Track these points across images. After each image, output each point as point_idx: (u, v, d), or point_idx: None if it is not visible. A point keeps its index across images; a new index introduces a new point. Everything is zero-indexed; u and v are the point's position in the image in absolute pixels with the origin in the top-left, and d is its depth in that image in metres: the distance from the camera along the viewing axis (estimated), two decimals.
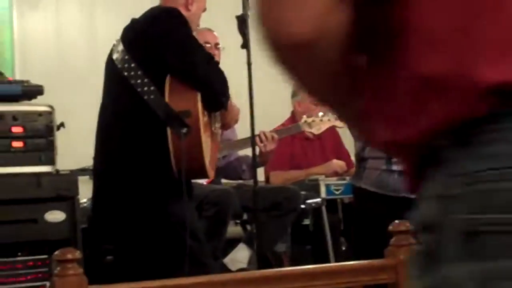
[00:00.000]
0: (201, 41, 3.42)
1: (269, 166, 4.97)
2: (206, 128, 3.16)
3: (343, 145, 5.30)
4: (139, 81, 3.06)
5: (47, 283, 3.02)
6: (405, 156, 0.88)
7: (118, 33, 3.29)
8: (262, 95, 4.05)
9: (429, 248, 0.81)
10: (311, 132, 4.68)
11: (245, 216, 4.54)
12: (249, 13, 3.35)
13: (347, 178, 4.84)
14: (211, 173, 3.25)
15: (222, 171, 4.57)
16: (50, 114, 3.27)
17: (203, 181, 4.00)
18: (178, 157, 2.97)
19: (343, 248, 5.01)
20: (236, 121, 3.61)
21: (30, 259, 3.12)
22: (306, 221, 4.94)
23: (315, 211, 4.77)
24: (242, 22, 3.41)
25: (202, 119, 3.07)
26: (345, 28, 0.83)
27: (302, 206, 4.55)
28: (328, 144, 5.24)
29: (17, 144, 3.20)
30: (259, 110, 3.62)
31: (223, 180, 4.71)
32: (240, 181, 4.74)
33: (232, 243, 4.31)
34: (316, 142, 5.22)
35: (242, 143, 4.39)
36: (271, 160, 4.60)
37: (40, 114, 3.25)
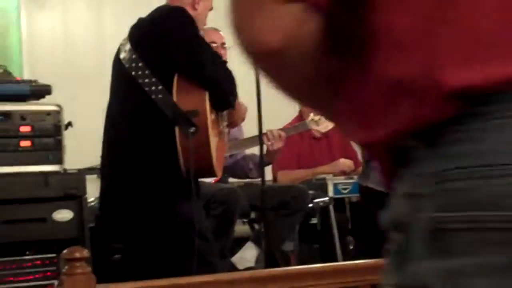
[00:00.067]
0: (207, 40, 3.42)
1: (276, 166, 4.97)
2: (213, 127, 3.16)
3: (350, 144, 5.29)
4: (146, 80, 3.07)
5: (55, 282, 3.03)
6: (378, 156, 0.90)
7: (125, 32, 3.29)
8: (270, 94, 4.03)
9: (399, 246, 0.82)
10: (318, 130, 4.68)
11: (252, 215, 4.54)
12: None
13: (355, 177, 4.84)
14: (219, 172, 3.25)
15: (229, 169, 4.58)
16: (58, 113, 3.28)
17: (210, 180, 4.00)
18: (186, 156, 2.97)
19: (351, 247, 5.01)
20: (243, 120, 3.62)
21: (38, 258, 3.13)
22: (314, 220, 4.94)
23: (323, 210, 4.77)
24: None
25: (210, 118, 3.07)
26: (316, 35, 0.86)
27: (310, 205, 4.55)
28: (336, 143, 5.24)
29: (25, 143, 3.21)
30: (266, 109, 3.62)
31: (230, 179, 4.72)
32: (248, 180, 4.74)
33: (239, 242, 4.32)
34: (323, 141, 5.22)
35: (249, 142, 4.39)
36: (278, 159, 4.60)
37: (48, 113, 3.26)
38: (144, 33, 3.19)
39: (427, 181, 0.80)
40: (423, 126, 0.80)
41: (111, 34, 5.27)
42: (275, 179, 5.11)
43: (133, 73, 3.10)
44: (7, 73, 3.44)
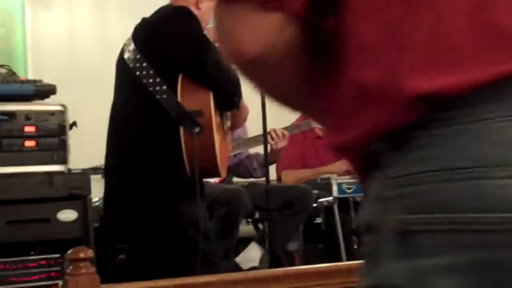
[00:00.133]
0: (211, 39, 3.42)
1: (280, 165, 4.97)
2: (218, 127, 3.16)
3: None
4: (151, 80, 3.06)
5: (60, 282, 3.03)
6: (350, 160, 0.94)
7: (130, 32, 3.29)
8: None
9: (372, 248, 0.85)
10: (321, 129, 4.67)
11: (257, 215, 4.54)
12: None
13: None
14: (223, 172, 3.25)
15: (233, 169, 4.58)
16: (62, 113, 3.28)
17: (215, 180, 4.00)
18: (191, 156, 2.97)
19: (355, 247, 5.01)
20: (245, 121, 3.61)
21: (43, 258, 3.14)
22: (318, 220, 4.94)
23: (327, 209, 4.77)
24: None
25: (215, 118, 3.07)
26: (295, 43, 0.91)
27: (314, 205, 4.55)
28: None
29: (29, 143, 3.21)
30: (270, 109, 3.62)
31: (235, 179, 4.72)
32: (252, 179, 4.74)
33: (244, 242, 4.32)
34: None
35: (253, 141, 4.39)
36: (283, 159, 4.59)
37: (52, 113, 3.26)
38: (148, 33, 3.18)
39: (394, 185, 0.83)
40: (389, 131, 0.84)
41: (115, 34, 5.27)
42: (279, 178, 5.10)
43: (137, 73, 3.09)
44: (11, 73, 3.44)
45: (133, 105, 3.15)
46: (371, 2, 0.86)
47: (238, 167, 4.67)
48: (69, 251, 2.18)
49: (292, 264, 4.51)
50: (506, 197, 0.77)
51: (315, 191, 4.57)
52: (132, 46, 3.17)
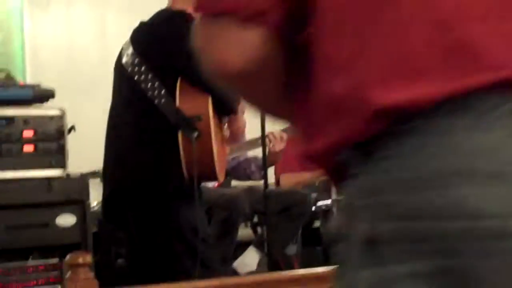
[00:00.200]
0: None
1: (279, 168, 4.97)
2: (216, 131, 3.16)
3: None
4: (149, 84, 3.06)
5: (59, 287, 3.03)
6: (323, 168, 0.97)
7: (129, 36, 3.29)
8: None
9: (342, 256, 0.88)
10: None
11: (255, 219, 4.54)
12: None
13: None
14: (221, 176, 3.25)
15: (232, 172, 4.57)
16: (61, 117, 3.28)
17: (213, 184, 4.00)
18: (189, 161, 2.97)
19: None
20: (242, 132, 3.61)
21: (41, 263, 3.13)
22: (317, 223, 4.94)
23: (326, 213, 4.77)
24: None
25: (213, 122, 3.07)
26: (274, 58, 0.95)
27: (313, 208, 4.55)
28: None
29: (28, 148, 3.21)
30: None
31: (233, 182, 4.72)
32: (250, 181, 4.74)
33: (242, 246, 4.32)
34: None
35: (251, 144, 4.39)
36: (281, 162, 4.59)
37: (51, 117, 3.26)
38: (146, 37, 3.18)
39: (362, 194, 0.85)
40: (356, 141, 0.86)
41: (114, 38, 5.27)
42: (277, 181, 5.10)
43: (136, 77, 3.09)
44: (10, 77, 3.44)
45: (132, 110, 3.14)
46: (340, 16, 0.88)
47: (236, 170, 4.67)
48: (68, 256, 2.19)
49: (290, 268, 4.51)
50: (466, 206, 0.79)
51: (314, 194, 4.57)
52: (130, 50, 3.17)
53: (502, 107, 0.81)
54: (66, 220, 3.18)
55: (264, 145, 3.74)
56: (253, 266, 4.22)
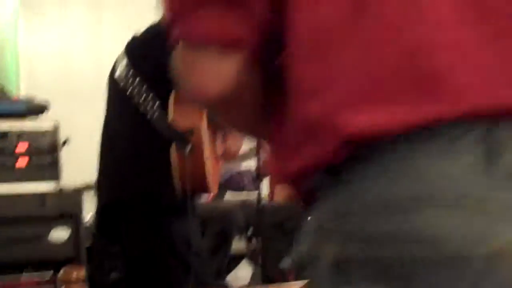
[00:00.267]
0: None
1: (274, 180, 4.96)
2: (209, 143, 3.16)
3: None
4: (142, 98, 3.06)
5: None
6: (295, 189, 1.00)
7: (123, 48, 3.29)
8: None
9: (311, 279, 0.90)
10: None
11: (249, 232, 4.53)
12: None
13: None
14: (214, 188, 3.25)
15: (226, 184, 4.57)
16: (55, 131, 3.28)
17: (207, 197, 4.00)
18: (182, 175, 2.97)
19: None
20: (235, 154, 3.61)
21: (35, 277, 3.12)
22: None
23: None
24: None
25: (206, 135, 3.07)
26: (251, 82, 0.98)
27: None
28: None
29: (21, 161, 3.20)
30: None
31: (227, 195, 4.71)
32: (244, 195, 4.74)
33: (236, 259, 4.31)
34: None
35: (245, 156, 4.39)
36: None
37: (45, 131, 3.26)
38: (140, 50, 3.18)
39: (331, 217, 0.88)
40: (326, 165, 0.88)
41: (109, 50, 5.26)
42: (272, 193, 5.10)
43: (129, 90, 3.09)
44: (3, 91, 3.44)
45: (125, 124, 3.14)
46: (313, 40, 0.90)
47: (229, 183, 4.67)
48: (61, 271, 2.19)
49: (285, 281, 4.50)
50: (424, 232, 0.81)
51: None
52: (124, 62, 3.17)
53: (467, 136, 0.82)
54: (60, 234, 3.17)
55: (258, 156, 3.74)
56: (247, 280, 4.21)
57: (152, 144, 3.06)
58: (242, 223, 4.21)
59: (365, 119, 0.83)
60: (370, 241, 0.83)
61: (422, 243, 0.80)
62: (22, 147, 3.21)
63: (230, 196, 4.77)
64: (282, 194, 5.00)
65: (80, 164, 4.28)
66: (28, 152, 3.22)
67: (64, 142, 3.34)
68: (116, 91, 3.17)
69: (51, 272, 3.09)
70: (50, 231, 3.16)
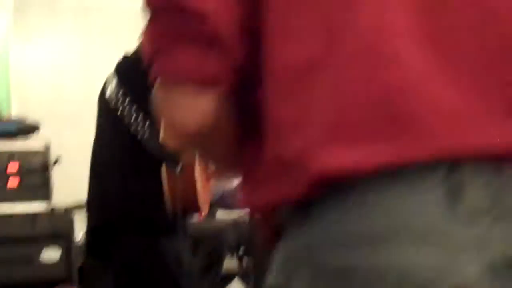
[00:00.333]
0: None
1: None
2: (200, 162, 3.17)
3: None
4: (133, 118, 3.07)
5: None
6: (262, 223, 1.00)
7: (114, 67, 3.30)
8: None
9: None
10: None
11: (241, 251, 4.53)
12: None
13: None
14: (205, 207, 3.25)
15: (217, 203, 4.57)
16: (46, 151, 3.28)
17: (198, 216, 3.99)
18: (173, 194, 2.98)
19: None
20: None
21: None
22: None
23: None
24: None
25: (196, 154, 3.07)
26: (227, 118, 0.99)
27: None
28: None
29: (12, 181, 3.20)
30: None
31: (219, 213, 4.71)
32: (236, 211, 4.73)
33: (227, 278, 4.31)
34: None
35: (236, 174, 4.39)
36: None
37: (36, 151, 3.26)
38: (130, 69, 3.19)
39: (299, 249, 0.88)
40: (295, 202, 0.89)
41: (100, 70, 5.27)
42: None
43: (119, 111, 3.10)
44: None
45: (115, 144, 3.14)
46: (287, 79, 0.90)
47: (220, 201, 4.67)
48: None
49: None
50: (392, 267, 0.82)
51: None
52: (115, 81, 3.17)
53: (432, 176, 0.84)
54: (51, 255, 3.17)
55: None
56: None
57: (142, 164, 3.06)
58: (233, 242, 4.20)
59: (336, 159, 0.84)
60: (337, 274, 0.84)
61: (387, 278, 0.81)
62: (13, 167, 3.21)
63: (222, 215, 4.77)
64: None
65: (71, 184, 4.27)
66: (19, 172, 3.22)
67: (55, 162, 3.34)
68: (107, 111, 3.17)
69: None
70: (41, 251, 3.15)
